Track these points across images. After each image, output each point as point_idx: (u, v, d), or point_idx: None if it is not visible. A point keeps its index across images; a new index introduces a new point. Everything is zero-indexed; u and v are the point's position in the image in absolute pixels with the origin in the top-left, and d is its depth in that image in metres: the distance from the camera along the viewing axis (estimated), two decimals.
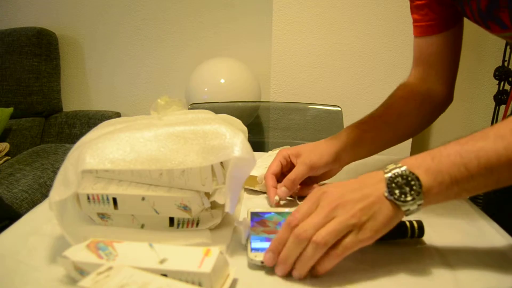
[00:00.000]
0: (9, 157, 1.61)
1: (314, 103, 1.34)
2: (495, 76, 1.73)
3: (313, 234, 0.41)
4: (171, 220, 0.51)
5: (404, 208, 0.42)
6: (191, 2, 1.94)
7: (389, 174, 0.43)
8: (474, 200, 0.67)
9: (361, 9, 1.62)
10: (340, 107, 1.28)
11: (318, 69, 1.70)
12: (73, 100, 2.13)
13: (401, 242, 0.51)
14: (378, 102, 0.72)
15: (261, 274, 0.45)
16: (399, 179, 0.42)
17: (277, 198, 0.61)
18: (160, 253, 0.41)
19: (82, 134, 0.53)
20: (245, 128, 0.58)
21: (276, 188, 0.62)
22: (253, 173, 0.67)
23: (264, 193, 0.66)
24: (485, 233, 0.54)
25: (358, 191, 0.43)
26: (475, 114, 1.96)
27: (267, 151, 0.83)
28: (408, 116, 0.69)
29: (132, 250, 0.43)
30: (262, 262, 0.45)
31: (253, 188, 0.68)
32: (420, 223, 0.51)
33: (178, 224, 0.51)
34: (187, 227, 0.51)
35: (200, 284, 0.39)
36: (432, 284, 0.43)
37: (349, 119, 1.38)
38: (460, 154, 0.41)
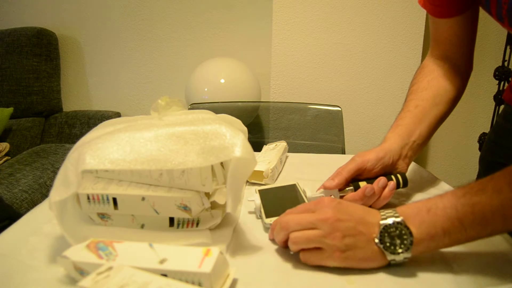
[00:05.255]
0: (9, 157, 1.61)
1: (314, 103, 1.34)
2: (495, 76, 1.73)
3: (292, 230, 0.46)
4: (171, 220, 0.51)
5: (389, 258, 0.44)
6: (191, 3, 1.94)
7: (385, 222, 0.44)
8: None
9: (361, 9, 1.62)
10: (340, 107, 1.28)
11: (318, 69, 1.70)
12: (73, 100, 2.13)
13: None
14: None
15: (261, 274, 0.45)
16: (393, 229, 0.43)
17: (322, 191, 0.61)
18: (160, 253, 0.41)
19: (82, 134, 0.53)
20: (245, 128, 0.58)
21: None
22: (259, 168, 0.70)
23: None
24: None
25: (356, 225, 0.45)
26: (475, 114, 1.96)
27: None
28: (446, 93, 0.70)
29: (132, 250, 0.43)
30: None
31: (260, 182, 0.71)
32: (403, 175, 0.62)
33: (178, 224, 0.51)
34: (187, 227, 0.51)
35: (200, 284, 0.39)
36: (432, 284, 0.43)
37: (349, 119, 1.38)
38: (455, 208, 0.42)
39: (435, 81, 0.70)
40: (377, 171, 0.62)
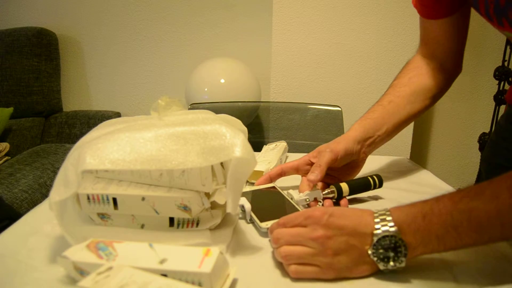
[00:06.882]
0: (9, 157, 1.61)
1: (314, 103, 1.34)
2: (495, 76, 1.73)
3: (282, 245, 0.45)
4: (171, 220, 0.51)
5: (382, 268, 0.44)
6: (191, 2, 1.94)
7: (378, 232, 0.43)
8: None
9: (361, 9, 1.62)
10: (340, 107, 1.28)
11: (318, 69, 1.70)
12: (73, 100, 2.13)
13: None
14: None
15: (261, 274, 0.45)
16: (387, 242, 0.42)
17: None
18: (160, 253, 0.41)
19: (82, 134, 0.53)
20: (245, 128, 0.58)
21: (270, 178, 0.67)
22: (259, 168, 0.71)
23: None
24: None
25: (348, 238, 0.43)
26: (475, 114, 1.96)
27: None
28: (423, 92, 0.71)
29: (132, 250, 0.43)
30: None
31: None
32: (378, 177, 0.65)
33: (178, 224, 0.51)
34: (187, 227, 0.51)
35: (200, 284, 0.39)
36: (431, 284, 0.43)
37: (349, 119, 1.38)
38: (451, 214, 0.41)
39: (416, 79, 0.72)
40: (344, 162, 0.66)
